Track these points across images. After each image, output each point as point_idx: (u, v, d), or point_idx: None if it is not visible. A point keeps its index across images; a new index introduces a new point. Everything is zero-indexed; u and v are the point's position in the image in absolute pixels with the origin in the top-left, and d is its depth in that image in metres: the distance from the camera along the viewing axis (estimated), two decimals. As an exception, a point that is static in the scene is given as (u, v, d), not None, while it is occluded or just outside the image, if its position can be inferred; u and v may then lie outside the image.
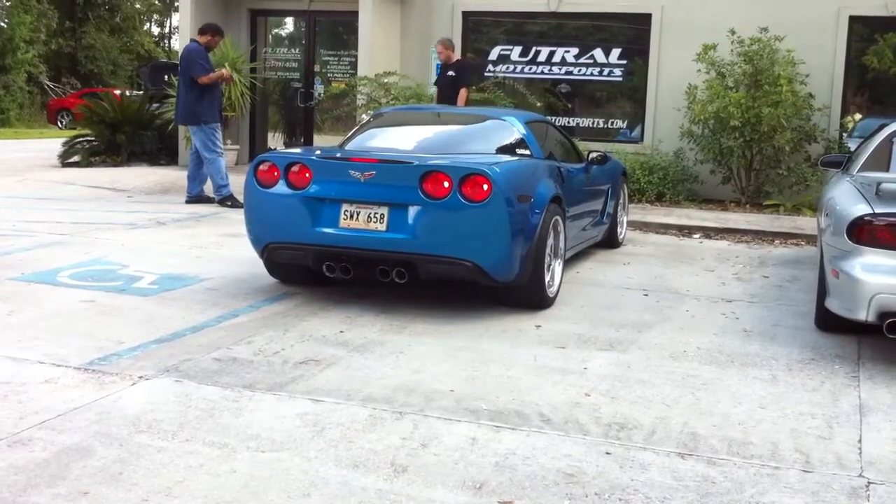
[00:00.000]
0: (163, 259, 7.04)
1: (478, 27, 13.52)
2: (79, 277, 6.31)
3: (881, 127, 6.84)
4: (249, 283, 6.36)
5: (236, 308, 5.67)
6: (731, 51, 11.19)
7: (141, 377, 4.28)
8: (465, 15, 13.23)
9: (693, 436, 3.80)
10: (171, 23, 48.39)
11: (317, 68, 14.30)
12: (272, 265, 6.21)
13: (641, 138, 12.53)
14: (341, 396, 4.12)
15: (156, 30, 50.07)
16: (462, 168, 5.49)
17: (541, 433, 3.77)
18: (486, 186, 5.40)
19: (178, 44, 18.57)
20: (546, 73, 13.05)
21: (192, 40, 10.51)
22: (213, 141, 10.12)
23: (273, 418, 3.82)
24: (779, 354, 5.08)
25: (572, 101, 13.21)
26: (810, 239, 9.09)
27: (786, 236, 9.53)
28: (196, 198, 10.35)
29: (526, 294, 5.90)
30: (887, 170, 6.18)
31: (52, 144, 16.18)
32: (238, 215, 7.92)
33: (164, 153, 13.93)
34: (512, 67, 13.13)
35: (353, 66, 13.30)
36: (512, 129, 6.79)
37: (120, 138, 13.62)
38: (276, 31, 15.72)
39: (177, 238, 8.10)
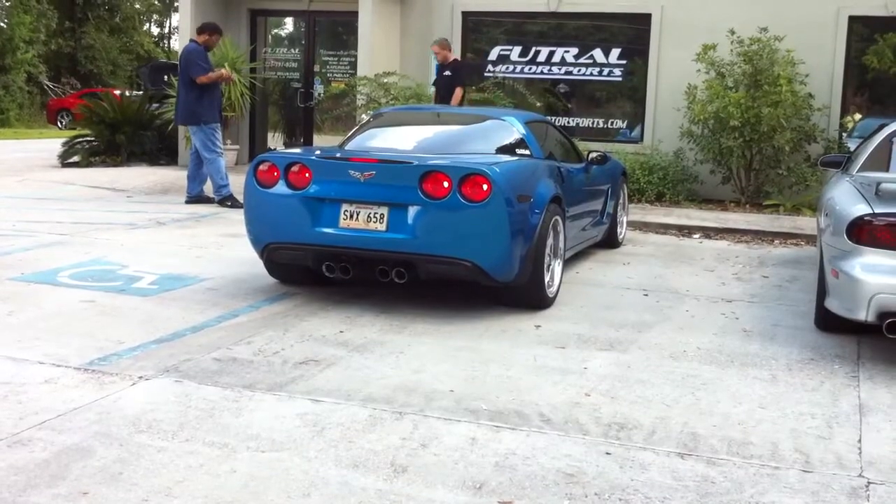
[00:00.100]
0: (163, 259, 7.04)
1: (478, 27, 13.52)
2: (79, 277, 6.31)
3: (881, 127, 6.84)
4: (249, 283, 6.36)
5: (236, 308, 5.67)
6: (731, 51, 11.20)
7: (141, 377, 4.28)
8: (465, 15, 13.23)
9: (693, 436, 3.80)
10: (170, 23, 48.41)
11: (316, 68, 14.30)
12: (272, 265, 6.20)
13: (641, 138, 12.53)
14: (341, 396, 4.12)
15: (155, 30, 50.11)
16: (462, 168, 5.49)
17: (541, 433, 3.77)
18: (485, 186, 5.40)
19: (177, 44, 18.57)
20: (546, 74, 13.05)
21: (191, 40, 10.52)
22: (212, 141, 10.12)
23: (273, 418, 3.82)
24: (779, 354, 5.08)
25: (572, 101, 13.21)
26: (810, 239, 9.09)
27: (785, 236, 9.54)
28: (196, 198, 10.35)
29: (526, 294, 5.90)
30: (887, 170, 6.18)
31: (51, 145, 16.18)
32: (238, 215, 7.92)
33: (163, 153, 13.93)
34: (512, 67, 13.13)
35: (353, 66, 13.30)
36: (512, 129, 6.79)
37: (120, 138, 13.63)
38: (275, 31, 15.72)
39: (177, 238, 8.10)
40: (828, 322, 5.47)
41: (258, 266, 6.35)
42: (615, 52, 12.73)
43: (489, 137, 6.73)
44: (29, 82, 33.72)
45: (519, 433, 3.76)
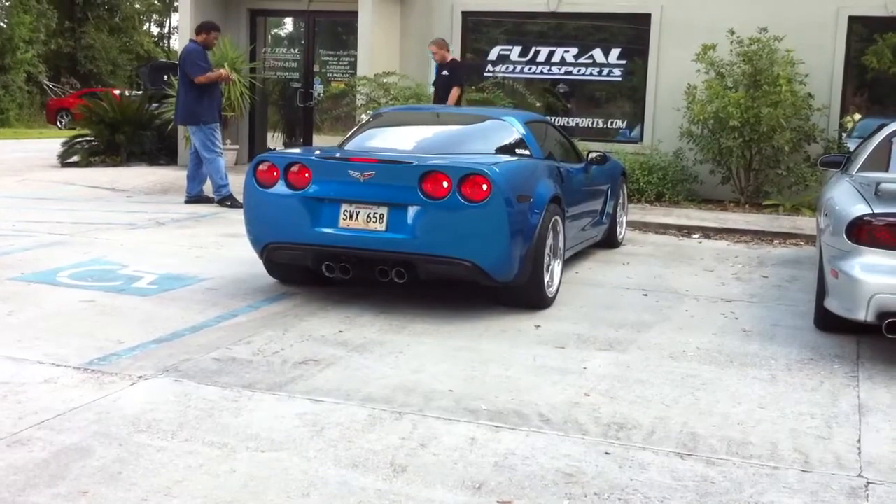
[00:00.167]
0: (162, 259, 7.04)
1: (477, 27, 13.52)
2: (78, 277, 6.31)
3: (880, 127, 6.84)
4: (249, 283, 6.36)
5: (236, 308, 5.67)
6: (731, 51, 11.20)
7: (140, 377, 4.29)
8: (465, 15, 13.23)
9: (692, 436, 3.80)
10: (170, 23, 48.40)
11: (316, 68, 14.29)
12: (271, 265, 6.21)
13: (641, 138, 12.53)
14: (340, 396, 4.12)
15: (155, 30, 50.09)
16: (461, 168, 5.49)
17: (540, 433, 3.77)
18: (485, 186, 5.40)
19: (177, 44, 18.57)
20: (545, 74, 13.05)
21: (190, 41, 10.52)
22: (212, 141, 10.12)
23: (272, 418, 3.82)
24: (778, 354, 5.08)
25: (572, 102, 13.21)
26: (809, 239, 9.09)
27: (785, 236, 9.54)
28: (195, 198, 10.35)
29: (525, 294, 5.90)
30: (886, 170, 6.18)
31: (51, 144, 16.18)
32: (237, 215, 7.92)
33: (163, 153, 13.93)
34: (511, 67, 13.13)
35: (353, 66, 13.30)
36: (511, 129, 6.79)
37: (119, 138, 13.63)
38: (275, 31, 15.72)
39: (176, 238, 8.10)
40: (827, 322, 5.47)
41: (258, 266, 6.35)
42: (615, 52, 12.73)
43: (489, 137, 6.73)
44: (29, 82, 33.72)
45: (518, 433, 3.76)
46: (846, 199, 5.45)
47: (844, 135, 11.60)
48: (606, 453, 3.58)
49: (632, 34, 12.76)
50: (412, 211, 5.51)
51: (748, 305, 6.33)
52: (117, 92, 17.63)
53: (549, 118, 9.90)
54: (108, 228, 8.41)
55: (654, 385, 4.46)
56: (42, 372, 4.30)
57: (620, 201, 8.69)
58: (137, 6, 44.48)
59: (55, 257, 6.94)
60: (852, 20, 11.60)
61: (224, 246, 7.76)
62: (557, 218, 6.18)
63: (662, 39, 12.29)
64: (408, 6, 13.35)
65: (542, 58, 13.02)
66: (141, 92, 17.41)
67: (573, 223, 6.83)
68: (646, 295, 6.55)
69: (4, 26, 31.98)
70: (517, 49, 13.12)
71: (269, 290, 6.19)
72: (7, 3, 32.58)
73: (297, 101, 14.21)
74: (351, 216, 5.61)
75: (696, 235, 9.68)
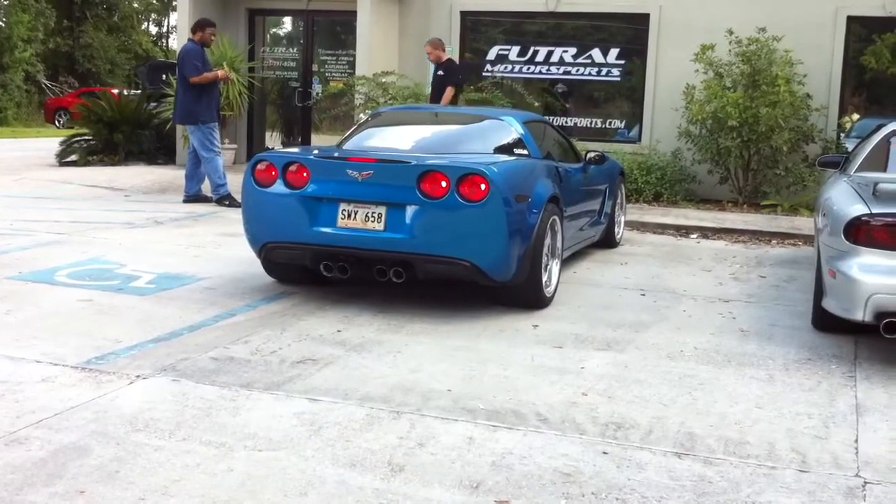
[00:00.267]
0: (160, 258, 7.03)
1: (476, 27, 13.52)
2: (76, 276, 6.30)
3: (879, 127, 6.84)
4: (247, 282, 6.36)
5: (234, 307, 5.67)
6: (729, 51, 11.20)
7: (138, 376, 4.28)
8: (464, 15, 13.23)
9: (690, 435, 3.80)
10: (168, 22, 48.39)
11: (315, 68, 14.29)
12: (270, 264, 6.21)
13: (639, 138, 12.53)
14: (338, 396, 4.12)
15: (153, 29, 50.08)
16: (459, 168, 5.49)
17: (538, 433, 3.77)
18: (483, 186, 5.40)
19: (175, 43, 18.57)
20: (544, 73, 13.06)
21: (188, 40, 10.52)
22: (210, 140, 10.12)
23: (270, 417, 3.82)
24: (776, 354, 5.08)
25: (570, 101, 13.22)
26: (807, 239, 9.09)
27: (783, 236, 9.54)
28: (194, 197, 10.35)
29: (523, 294, 5.90)
30: (885, 170, 6.18)
31: (49, 143, 16.17)
32: (235, 214, 7.91)
33: (161, 152, 13.93)
34: (510, 67, 13.14)
35: (352, 65, 13.30)
36: (510, 128, 6.79)
37: (117, 137, 13.62)
38: (274, 30, 15.72)
39: (174, 237, 8.10)
40: (825, 322, 5.48)
41: (256, 265, 6.35)
42: (613, 52, 12.73)
43: (487, 137, 6.73)
44: (27, 81, 33.70)
45: (516, 433, 3.76)
46: (844, 199, 5.45)
47: (843, 135, 11.60)
48: (604, 453, 3.58)
49: (630, 34, 12.77)
50: (410, 210, 5.51)
51: (746, 305, 6.33)
52: (115, 91, 17.66)
53: (547, 118, 9.90)
54: (106, 228, 8.41)
55: (651, 385, 4.46)
56: (40, 371, 4.30)
57: (618, 201, 8.69)
58: (136, 5, 44.47)
59: (53, 256, 6.94)
60: (851, 20, 11.61)
61: (222, 245, 7.75)
62: (556, 218, 6.18)
63: (661, 39, 12.30)
64: (406, 6, 13.35)
65: (540, 58, 13.02)
66: (139, 91, 17.42)
67: (571, 223, 6.84)
68: (644, 295, 6.56)
69: (3, 25, 31.97)
70: (516, 49, 13.12)
71: (268, 289, 6.18)
72: (5, 2, 32.57)
73: (296, 100, 14.21)
74: (349, 216, 5.61)
75: (694, 235, 9.68)
